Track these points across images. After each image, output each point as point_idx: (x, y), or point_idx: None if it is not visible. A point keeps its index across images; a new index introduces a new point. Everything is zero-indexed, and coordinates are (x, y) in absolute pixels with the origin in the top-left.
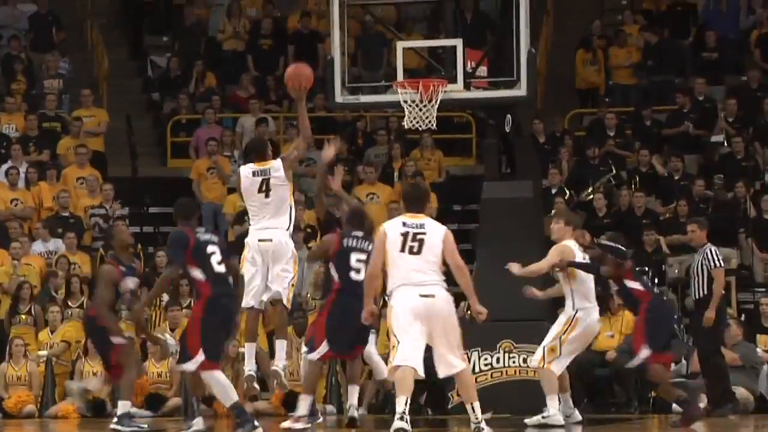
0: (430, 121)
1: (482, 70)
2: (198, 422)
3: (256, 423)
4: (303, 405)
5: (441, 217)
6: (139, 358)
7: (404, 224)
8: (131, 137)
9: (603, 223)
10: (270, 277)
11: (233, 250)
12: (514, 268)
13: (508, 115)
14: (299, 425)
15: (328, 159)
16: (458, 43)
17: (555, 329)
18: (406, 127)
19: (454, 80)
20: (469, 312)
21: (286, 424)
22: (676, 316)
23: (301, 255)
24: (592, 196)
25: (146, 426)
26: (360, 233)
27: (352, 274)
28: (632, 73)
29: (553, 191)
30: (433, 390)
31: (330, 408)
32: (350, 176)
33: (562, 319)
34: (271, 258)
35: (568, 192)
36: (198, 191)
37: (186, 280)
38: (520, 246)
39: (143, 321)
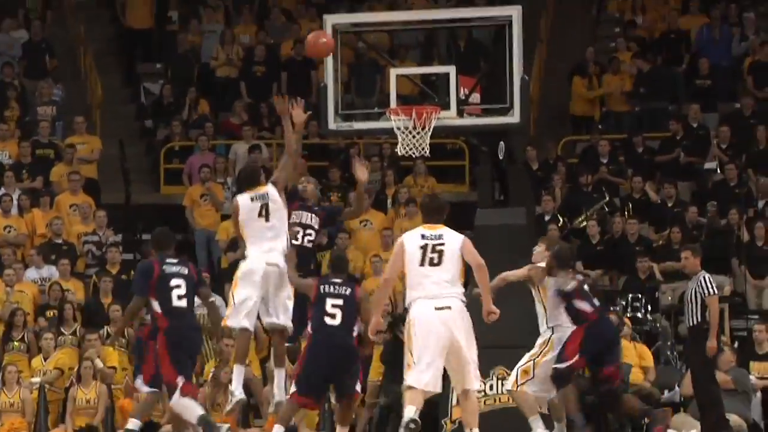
0: (423, 148)
1: (475, 97)
2: None
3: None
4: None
5: None
6: (131, 387)
7: (423, 236)
8: (124, 164)
9: (596, 250)
10: (273, 303)
11: (226, 277)
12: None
13: (502, 142)
14: None
15: (365, 179)
16: (451, 70)
17: (531, 351)
18: (399, 153)
19: (447, 107)
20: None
21: None
22: (669, 343)
23: None
24: (585, 223)
25: None
26: (339, 279)
27: (327, 320)
28: (625, 100)
29: (547, 218)
30: (426, 418)
31: None
32: (343, 203)
33: (539, 341)
34: (273, 283)
35: (561, 219)
36: (191, 218)
37: None
38: None
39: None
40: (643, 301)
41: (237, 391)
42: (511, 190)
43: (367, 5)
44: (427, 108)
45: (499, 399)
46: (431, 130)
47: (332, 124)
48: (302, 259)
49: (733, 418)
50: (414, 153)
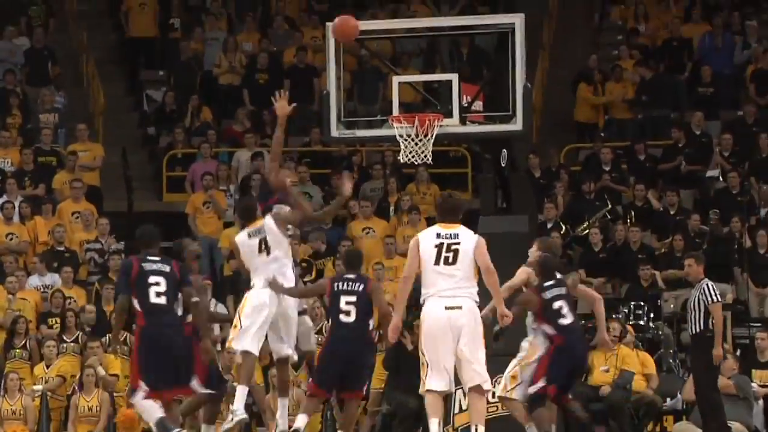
0: (425, 156)
1: (478, 105)
2: None
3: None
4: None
5: None
6: None
7: (438, 235)
8: (127, 171)
9: (599, 257)
10: (284, 331)
11: (230, 284)
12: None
13: (504, 150)
14: None
15: (348, 194)
16: (454, 77)
17: (518, 356)
18: (401, 161)
19: (449, 115)
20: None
21: None
22: (671, 351)
23: None
24: (587, 231)
25: None
26: (352, 275)
27: (342, 317)
28: (628, 108)
29: (549, 226)
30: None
31: None
32: (345, 210)
33: (524, 345)
34: (280, 312)
35: (563, 226)
36: (194, 225)
37: None
38: None
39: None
40: (646, 308)
41: (239, 410)
42: (514, 198)
43: (370, 13)
44: (430, 115)
45: (501, 407)
46: (434, 137)
47: (335, 132)
48: None
49: (735, 426)
50: (416, 160)
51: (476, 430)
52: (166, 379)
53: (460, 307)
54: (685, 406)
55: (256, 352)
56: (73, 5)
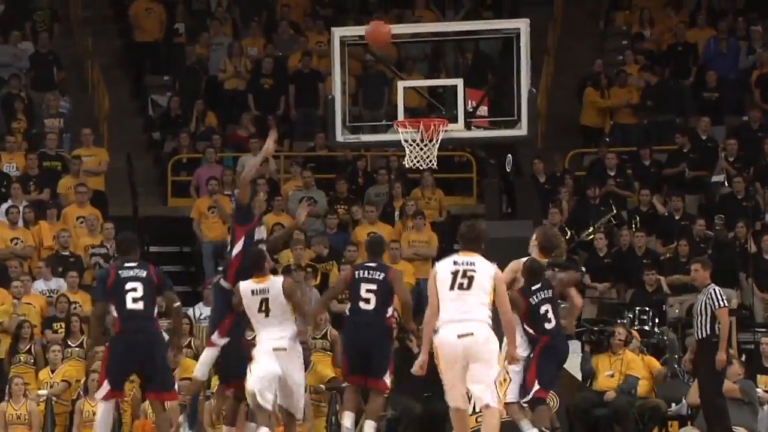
0: (430, 161)
1: (483, 110)
2: None
3: None
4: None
5: (441, 257)
6: (138, 399)
7: (455, 263)
8: (132, 176)
9: (604, 262)
10: (285, 387)
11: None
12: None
13: (509, 155)
14: None
15: (302, 221)
16: (459, 82)
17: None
18: (406, 166)
19: (454, 120)
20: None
21: None
22: (676, 356)
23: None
24: (592, 236)
25: None
26: (374, 264)
27: (361, 304)
28: (633, 113)
29: None
30: None
31: None
32: (349, 215)
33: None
34: (283, 367)
35: (568, 232)
36: (198, 230)
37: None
38: None
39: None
40: (651, 314)
41: None
42: (519, 203)
43: (375, 18)
44: (435, 120)
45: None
46: (438, 142)
47: (340, 137)
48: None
49: (740, 431)
50: (421, 165)
51: None
52: (124, 382)
53: (471, 334)
54: (690, 411)
55: (269, 406)
56: (78, 10)
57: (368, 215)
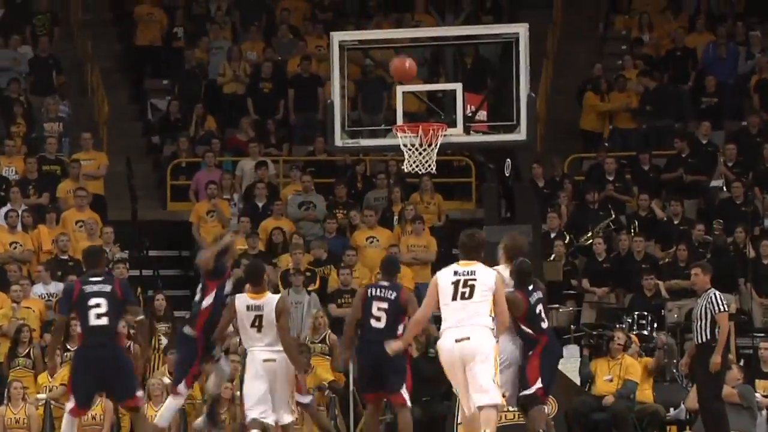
0: (429, 165)
1: (482, 114)
2: None
3: None
4: None
5: (440, 261)
6: None
7: (455, 273)
8: (131, 180)
9: (602, 267)
10: (276, 400)
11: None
12: None
13: (508, 160)
14: None
15: (228, 243)
16: (458, 87)
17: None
18: (405, 170)
19: (453, 124)
20: None
21: None
22: (675, 361)
23: (299, 298)
24: (591, 241)
25: None
26: (386, 283)
27: (373, 322)
28: (632, 118)
29: (553, 235)
30: None
31: None
32: (348, 220)
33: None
34: (274, 380)
35: (567, 236)
36: (197, 234)
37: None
38: None
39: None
40: (649, 318)
41: None
42: (518, 208)
43: (374, 22)
44: (434, 125)
45: (505, 416)
46: (437, 147)
47: (339, 141)
48: None
49: None
50: (420, 170)
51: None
52: (90, 397)
53: (468, 338)
54: (688, 416)
55: (265, 419)
56: (78, 14)
57: (367, 220)
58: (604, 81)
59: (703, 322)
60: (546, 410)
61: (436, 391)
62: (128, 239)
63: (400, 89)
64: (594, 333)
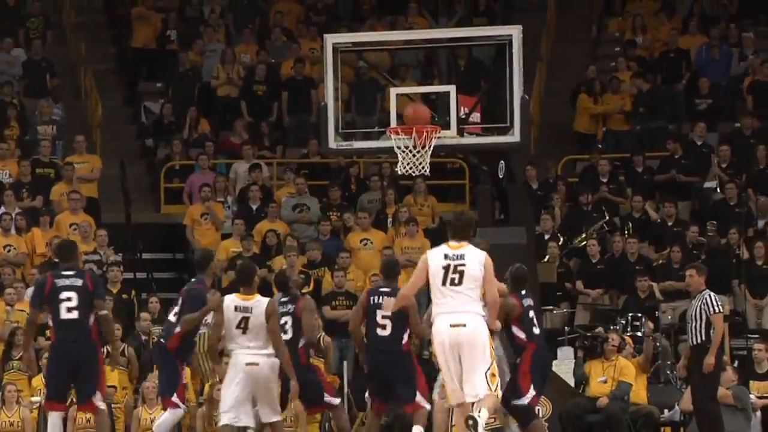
0: (423, 167)
1: (476, 116)
2: None
3: None
4: None
5: None
6: (131, 406)
7: (446, 256)
8: (125, 183)
9: (596, 269)
10: (259, 402)
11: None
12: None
13: (502, 162)
14: None
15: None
16: (452, 89)
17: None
18: (399, 172)
19: (447, 126)
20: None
21: None
22: (669, 362)
23: None
24: (585, 243)
25: None
26: (388, 288)
27: (378, 330)
28: (625, 120)
29: (546, 237)
30: None
31: None
32: (341, 222)
33: None
34: (257, 385)
35: (561, 238)
36: (191, 237)
37: None
38: None
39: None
40: (643, 320)
41: None
42: (511, 210)
43: (368, 24)
44: (428, 127)
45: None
46: (431, 149)
47: (332, 143)
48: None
49: None
50: (414, 172)
51: (479, 412)
52: (63, 392)
53: (464, 325)
54: (683, 418)
55: (237, 423)
56: (72, 17)
57: (361, 222)
58: (597, 83)
59: (698, 323)
60: (542, 422)
61: (430, 393)
62: (122, 242)
63: (393, 91)
64: (588, 334)
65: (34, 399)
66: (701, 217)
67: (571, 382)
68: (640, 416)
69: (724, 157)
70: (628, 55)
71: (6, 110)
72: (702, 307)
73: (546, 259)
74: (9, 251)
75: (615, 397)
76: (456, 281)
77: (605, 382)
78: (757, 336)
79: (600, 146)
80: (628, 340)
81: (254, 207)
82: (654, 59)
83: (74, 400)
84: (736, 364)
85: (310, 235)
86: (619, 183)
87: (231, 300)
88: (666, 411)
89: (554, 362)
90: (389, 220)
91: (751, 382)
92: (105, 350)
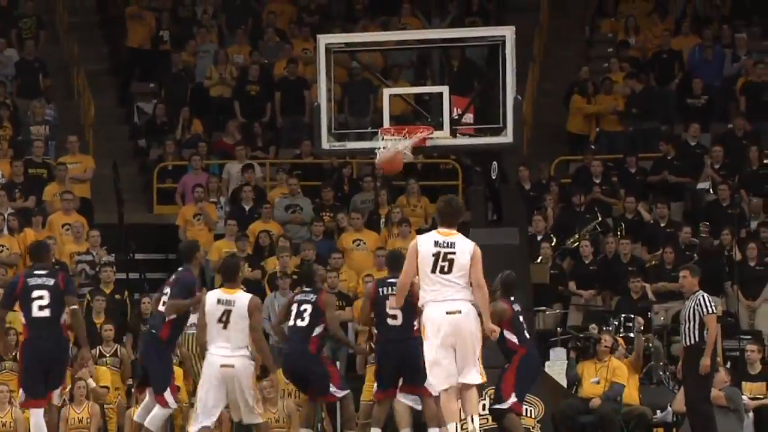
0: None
1: (468, 117)
2: None
3: None
4: None
5: None
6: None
7: (436, 243)
8: (117, 184)
9: (589, 270)
10: (236, 404)
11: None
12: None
13: (495, 162)
14: None
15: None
16: (445, 90)
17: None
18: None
19: (440, 127)
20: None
21: None
22: (662, 363)
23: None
24: (578, 243)
25: None
26: (396, 279)
27: (389, 320)
28: (618, 121)
29: (539, 238)
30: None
31: None
32: (334, 223)
33: None
34: (230, 385)
35: (554, 239)
36: (184, 238)
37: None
38: None
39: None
40: (636, 321)
41: None
42: (504, 211)
43: (361, 25)
44: (421, 128)
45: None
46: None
47: (325, 144)
48: None
49: None
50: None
51: (472, 420)
52: (40, 388)
53: (459, 311)
54: (675, 419)
55: (211, 425)
56: (64, 17)
57: (354, 222)
58: (590, 84)
59: (691, 324)
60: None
61: None
62: (115, 242)
63: (387, 92)
64: (581, 335)
65: None
66: (694, 218)
67: (564, 383)
68: (632, 417)
69: (717, 158)
70: (620, 55)
71: None
72: (695, 308)
73: (539, 260)
74: (1, 252)
75: (608, 397)
76: (446, 269)
77: (598, 382)
78: (749, 337)
79: (593, 147)
80: (621, 341)
81: (247, 207)
82: (647, 60)
83: (66, 399)
84: (728, 365)
85: (303, 235)
86: (612, 184)
87: (214, 294)
88: (658, 412)
89: (547, 363)
90: (382, 220)
91: (743, 383)
92: (98, 350)
